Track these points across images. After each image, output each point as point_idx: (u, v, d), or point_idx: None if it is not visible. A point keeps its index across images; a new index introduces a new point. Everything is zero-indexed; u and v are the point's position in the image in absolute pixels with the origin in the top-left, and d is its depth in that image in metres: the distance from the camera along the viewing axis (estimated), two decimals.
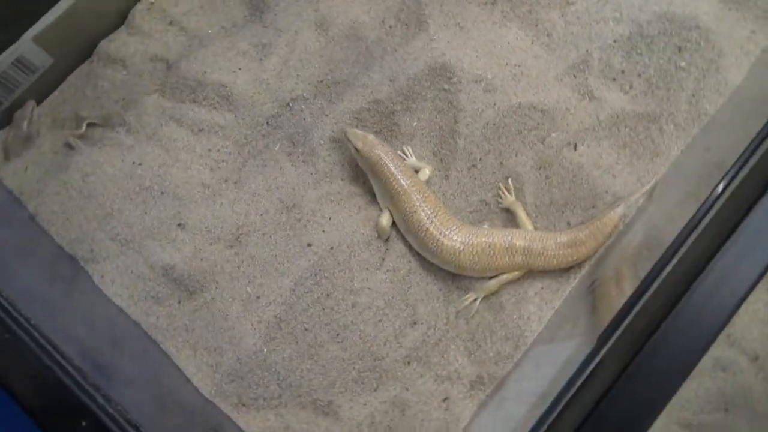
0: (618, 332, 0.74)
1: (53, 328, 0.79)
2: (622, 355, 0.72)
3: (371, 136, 1.16)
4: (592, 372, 0.73)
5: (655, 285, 0.77)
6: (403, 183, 1.13)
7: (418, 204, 1.12)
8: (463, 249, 1.11)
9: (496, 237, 1.12)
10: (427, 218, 1.11)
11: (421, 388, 1.12)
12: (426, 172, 1.20)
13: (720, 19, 1.27)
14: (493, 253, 1.11)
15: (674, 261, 0.80)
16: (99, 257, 1.15)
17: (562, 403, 0.71)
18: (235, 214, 1.18)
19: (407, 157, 1.23)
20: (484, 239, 1.12)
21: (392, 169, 1.14)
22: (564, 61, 1.31)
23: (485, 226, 1.20)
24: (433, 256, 1.13)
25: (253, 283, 1.13)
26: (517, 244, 1.12)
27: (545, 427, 0.69)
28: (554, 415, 0.70)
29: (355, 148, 1.15)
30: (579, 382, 0.72)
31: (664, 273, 0.79)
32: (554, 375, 1.01)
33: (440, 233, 1.11)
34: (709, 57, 1.23)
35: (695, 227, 0.82)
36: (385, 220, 1.15)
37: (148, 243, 1.16)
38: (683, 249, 0.80)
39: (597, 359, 0.72)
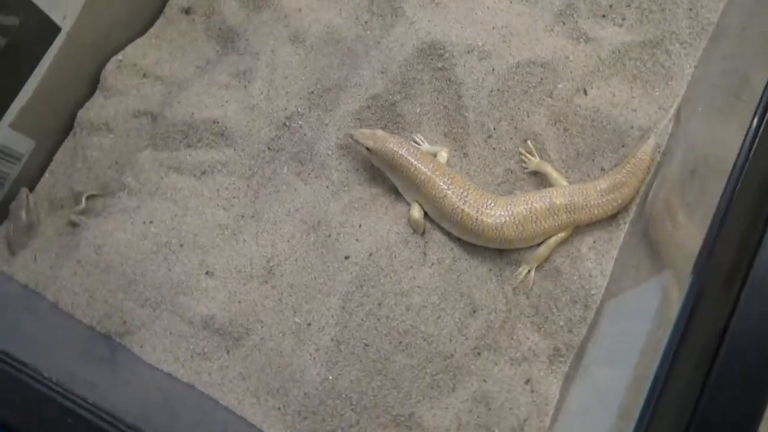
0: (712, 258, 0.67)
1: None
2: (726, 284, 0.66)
3: (380, 132, 1.11)
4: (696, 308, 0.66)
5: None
6: (425, 170, 1.08)
7: (446, 188, 1.07)
8: (505, 222, 1.05)
9: (535, 201, 1.07)
10: (460, 199, 1.06)
11: (499, 376, 1.06)
12: (444, 155, 1.15)
13: None
14: (536, 218, 1.06)
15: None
16: (133, 328, 1.09)
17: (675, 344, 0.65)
18: (261, 248, 1.12)
19: (420, 144, 1.17)
20: (523, 207, 1.06)
21: (410, 159, 1.08)
22: (548, 11, 1.26)
23: (518, 194, 1.15)
24: (476, 237, 1.07)
25: (299, 312, 1.07)
26: (558, 202, 1.06)
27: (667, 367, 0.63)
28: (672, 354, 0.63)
29: (367, 148, 1.10)
30: (687, 321, 0.65)
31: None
32: (633, 326, 0.95)
33: (477, 211, 1.05)
34: None
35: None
36: (417, 212, 1.10)
37: (180, 299, 1.10)
38: None
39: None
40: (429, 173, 1.07)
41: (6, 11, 1.10)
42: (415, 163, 1.08)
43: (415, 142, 1.17)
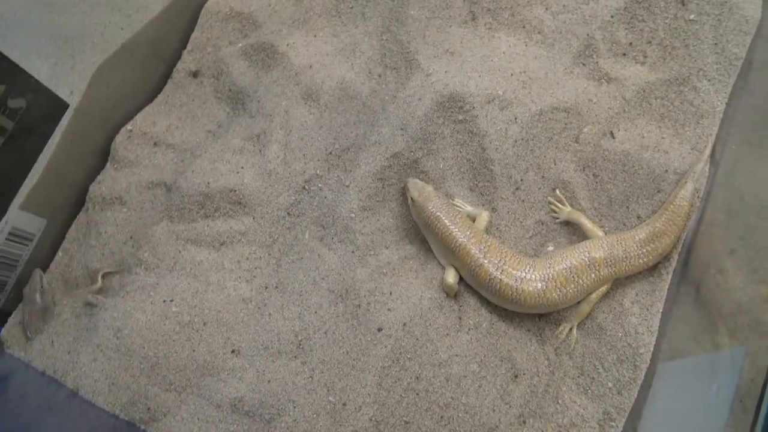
0: None
1: None
2: None
3: (429, 188, 1.07)
4: None
5: None
6: (461, 238, 1.03)
7: (482, 256, 1.01)
8: (546, 287, 1.00)
9: (574, 258, 1.01)
10: (497, 269, 1.00)
11: None
12: (484, 218, 1.10)
13: None
14: (578, 277, 1.00)
15: None
16: (159, 414, 1.04)
17: None
18: (288, 321, 1.07)
19: (462, 207, 1.12)
20: (562, 266, 1.01)
21: (447, 224, 1.03)
22: (566, 52, 1.23)
23: (550, 248, 1.10)
24: (518, 306, 1.02)
25: (333, 390, 1.01)
26: (597, 256, 1.01)
27: None
28: None
29: (411, 199, 1.05)
30: None
31: None
32: (693, 389, 0.89)
33: (515, 280, 0.99)
34: (717, 0, 1.15)
35: None
36: (452, 277, 1.05)
37: (206, 381, 1.04)
38: None
39: None
40: (465, 241, 1.02)
41: (13, 94, 1.07)
42: (452, 229, 1.03)
43: (456, 206, 1.12)
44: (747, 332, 1.01)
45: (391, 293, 1.05)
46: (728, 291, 1.05)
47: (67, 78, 1.20)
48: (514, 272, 1.00)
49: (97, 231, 1.22)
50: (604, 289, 1.03)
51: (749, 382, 0.73)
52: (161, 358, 1.06)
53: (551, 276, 1.00)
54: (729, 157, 1.12)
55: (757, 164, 1.12)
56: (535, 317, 1.06)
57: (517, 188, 1.13)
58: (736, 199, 1.10)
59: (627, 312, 1.03)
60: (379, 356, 1.01)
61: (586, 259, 1.01)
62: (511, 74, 1.19)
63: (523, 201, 1.13)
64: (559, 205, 1.12)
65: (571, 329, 1.04)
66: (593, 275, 1.01)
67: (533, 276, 1.00)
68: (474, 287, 1.05)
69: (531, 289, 0.99)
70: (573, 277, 1.00)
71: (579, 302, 1.03)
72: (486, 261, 1.01)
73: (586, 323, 1.05)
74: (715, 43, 1.14)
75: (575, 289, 1.00)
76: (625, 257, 1.02)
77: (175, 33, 1.37)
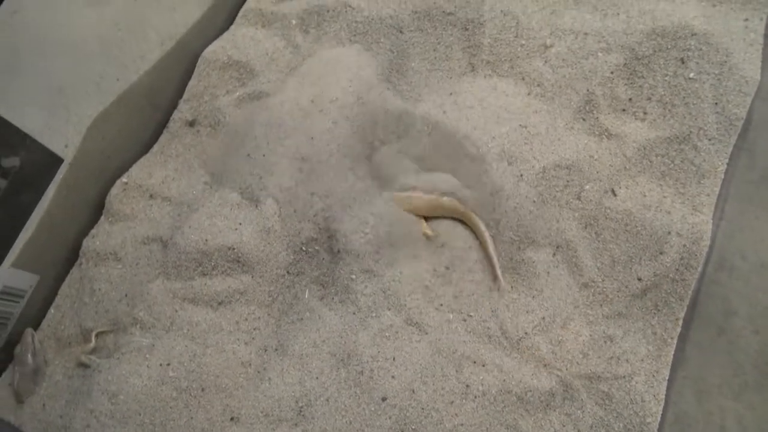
0: None
1: None
2: None
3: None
4: None
5: None
6: None
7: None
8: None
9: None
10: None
11: None
12: None
13: (710, 17, 1.21)
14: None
15: None
16: None
17: None
18: (289, 386, 1.05)
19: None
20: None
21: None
22: (567, 107, 1.23)
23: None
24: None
25: None
26: None
27: None
28: None
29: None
30: None
31: None
32: None
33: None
34: (716, 59, 1.16)
35: None
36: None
37: None
38: None
39: None
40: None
41: (6, 153, 1.05)
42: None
43: None
44: (752, 393, 1.01)
45: (394, 359, 1.04)
46: (731, 352, 1.05)
47: (62, 130, 1.18)
48: None
49: (91, 288, 1.19)
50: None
51: None
52: (158, 426, 1.03)
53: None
54: (730, 215, 1.12)
55: (758, 223, 1.12)
56: (541, 384, 1.04)
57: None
58: (737, 257, 1.10)
59: (633, 378, 1.02)
60: (384, 428, 0.98)
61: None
62: (512, 129, 1.19)
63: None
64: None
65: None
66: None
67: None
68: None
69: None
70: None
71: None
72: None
73: (594, 388, 1.03)
74: (716, 103, 1.14)
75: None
76: None
77: (172, 82, 1.35)
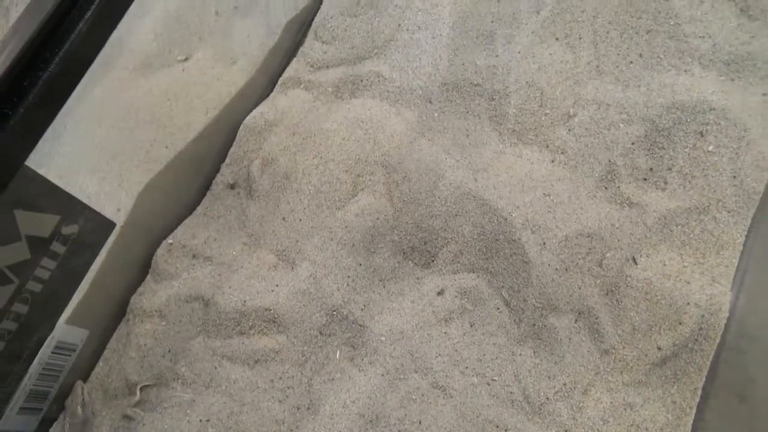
0: None
1: None
2: None
3: None
4: None
5: None
6: None
7: None
8: None
9: None
10: None
11: None
12: None
13: (728, 92, 1.25)
14: None
15: None
16: None
17: None
18: None
19: None
20: None
21: None
22: (589, 176, 1.28)
23: None
24: None
25: None
26: None
27: None
28: None
29: None
30: None
31: None
32: None
33: None
34: (735, 134, 1.20)
35: None
36: None
37: None
38: None
39: None
40: None
41: (67, 221, 1.14)
42: None
43: None
44: None
45: (420, 422, 1.09)
46: (751, 420, 1.07)
47: (115, 195, 1.28)
48: None
49: (137, 343, 1.27)
50: None
51: None
52: None
53: None
54: (749, 286, 1.15)
55: None
56: None
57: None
58: (756, 327, 1.13)
59: None
60: None
61: None
62: (536, 197, 1.25)
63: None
64: None
65: None
66: None
67: None
68: None
69: None
70: None
71: None
72: None
73: None
74: (734, 176, 1.18)
75: None
76: None
77: (215, 148, 1.44)
